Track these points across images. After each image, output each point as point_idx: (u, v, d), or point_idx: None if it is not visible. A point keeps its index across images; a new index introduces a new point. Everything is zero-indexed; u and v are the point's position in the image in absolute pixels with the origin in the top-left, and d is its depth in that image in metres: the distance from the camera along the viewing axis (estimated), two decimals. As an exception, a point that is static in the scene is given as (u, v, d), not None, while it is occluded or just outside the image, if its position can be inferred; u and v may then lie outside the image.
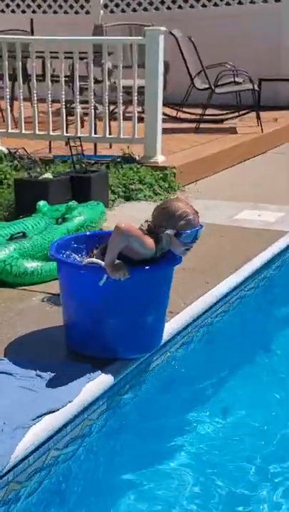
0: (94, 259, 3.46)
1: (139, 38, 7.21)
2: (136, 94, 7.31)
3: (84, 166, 6.55)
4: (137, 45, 7.19)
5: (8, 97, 7.71)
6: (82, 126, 8.06)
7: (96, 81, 7.71)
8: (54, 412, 3.18)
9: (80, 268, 3.48)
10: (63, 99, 7.47)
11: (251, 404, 3.92)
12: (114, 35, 9.22)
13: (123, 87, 7.44)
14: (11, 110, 8.04)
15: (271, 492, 3.25)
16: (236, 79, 9.97)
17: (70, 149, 6.48)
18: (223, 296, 4.66)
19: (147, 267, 3.47)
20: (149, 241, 3.46)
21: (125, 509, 3.17)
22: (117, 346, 3.61)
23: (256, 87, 9.56)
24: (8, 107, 7.71)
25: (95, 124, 7.74)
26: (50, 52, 7.41)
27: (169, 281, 3.69)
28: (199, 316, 4.35)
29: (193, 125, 9.62)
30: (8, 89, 7.70)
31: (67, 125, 7.75)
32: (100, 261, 3.44)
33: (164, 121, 9.74)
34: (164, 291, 3.69)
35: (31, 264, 4.69)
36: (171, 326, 4.07)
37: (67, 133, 7.57)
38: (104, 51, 7.29)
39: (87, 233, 4.44)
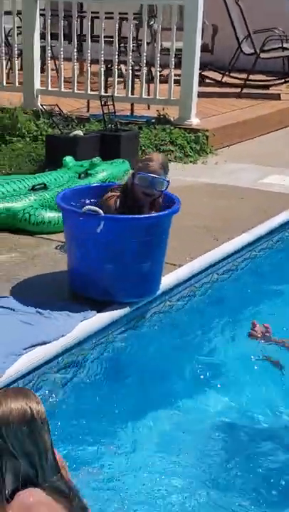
0: (92, 207, 3.78)
1: (177, -1, 7.42)
2: (173, 55, 7.50)
3: (116, 125, 6.81)
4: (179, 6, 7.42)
5: (49, 55, 8.04)
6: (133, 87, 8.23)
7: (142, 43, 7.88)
8: (46, 343, 3.54)
9: (79, 215, 3.80)
10: (102, 59, 7.73)
11: (244, 354, 4.18)
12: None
13: (166, 49, 7.67)
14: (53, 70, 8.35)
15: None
16: (285, 45, 9.99)
17: (102, 108, 6.76)
18: (230, 253, 4.91)
19: (139, 216, 3.78)
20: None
21: (111, 435, 3.46)
22: (114, 290, 3.93)
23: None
24: (49, 64, 8.04)
25: (133, 85, 7.95)
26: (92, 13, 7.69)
27: (164, 230, 3.95)
28: (202, 271, 4.61)
29: (237, 90, 9.72)
30: (49, 48, 8.02)
31: (107, 85, 8.01)
32: (98, 208, 3.76)
33: (209, 85, 10.07)
34: (159, 240, 3.95)
35: (49, 215, 5.03)
36: (172, 278, 4.37)
37: (106, 93, 7.79)
38: (144, 12, 7.50)
39: (93, 185, 4.75)
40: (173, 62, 7.54)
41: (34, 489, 2.16)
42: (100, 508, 2.98)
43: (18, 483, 2.15)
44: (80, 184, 5.31)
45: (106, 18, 7.69)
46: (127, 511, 3.04)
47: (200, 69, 9.75)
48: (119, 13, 7.72)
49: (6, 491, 2.14)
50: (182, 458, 3.35)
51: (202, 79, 10.08)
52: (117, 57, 7.73)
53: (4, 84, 8.29)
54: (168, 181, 3.97)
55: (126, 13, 7.71)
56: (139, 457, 3.36)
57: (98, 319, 3.84)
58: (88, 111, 8.12)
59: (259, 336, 3.84)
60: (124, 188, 4.03)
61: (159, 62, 7.61)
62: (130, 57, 7.67)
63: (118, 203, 3.93)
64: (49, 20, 7.88)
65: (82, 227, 3.85)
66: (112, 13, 7.66)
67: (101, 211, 3.77)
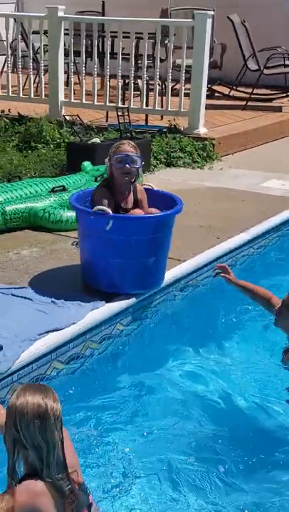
0: (102, 207, 3.75)
1: (189, 20, 7.35)
2: (184, 71, 7.45)
3: (130, 133, 6.77)
4: (191, 27, 7.35)
5: (72, 70, 8.02)
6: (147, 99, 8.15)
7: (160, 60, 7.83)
8: (58, 330, 3.53)
9: (90, 214, 3.77)
10: (120, 75, 7.67)
11: (242, 339, 4.15)
12: (178, 19, 9.34)
13: (179, 66, 7.61)
14: (76, 83, 8.33)
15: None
16: (287, 62, 9.88)
17: (118, 118, 6.70)
18: (231, 250, 4.86)
19: (145, 215, 3.75)
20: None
21: (118, 412, 3.46)
22: (121, 283, 3.91)
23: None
24: (72, 79, 8.01)
25: (147, 97, 7.90)
26: (111, 32, 7.66)
27: (167, 228, 3.92)
28: (204, 266, 4.57)
29: (243, 103, 9.58)
30: (72, 64, 8.01)
31: (124, 98, 7.98)
32: (107, 208, 3.74)
33: (218, 98, 9.98)
34: (163, 237, 3.91)
35: (67, 214, 5.01)
36: (176, 271, 4.34)
37: (124, 105, 7.71)
38: (158, 32, 7.45)
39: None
40: (183, 78, 7.48)
41: (38, 480, 2.15)
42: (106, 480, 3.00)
43: (27, 471, 2.15)
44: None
45: (124, 37, 7.64)
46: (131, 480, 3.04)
47: (210, 83, 9.72)
48: (136, 33, 7.66)
49: (17, 476, 2.15)
50: (189, 434, 3.37)
51: (212, 93, 10.03)
52: (134, 72, 7.68)
53: (32, 96, 8.28)
54: (141, 158, 4.01)
55: (142, 33, 7.65)
56: (147, 430, 3.37)
57: (107, 309, 3.82)
58: (107, 121, 8.06)
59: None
60: (107, 179, 4.03)
61: (171, 77, 7.57)
62: (145, 73, 7.61)
63: (102, 192, 3.92)
64: (72, 39, 7.85)
65: (93, 226, 3.83)
66: (129, 32, 7.61)
67: (109, 210, 3.74)
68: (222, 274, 3.88)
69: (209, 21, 7.15)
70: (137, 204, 4.03)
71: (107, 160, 3.98)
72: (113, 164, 3.94)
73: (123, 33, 7.61)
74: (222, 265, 3.96)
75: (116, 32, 7.71)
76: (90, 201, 3.95)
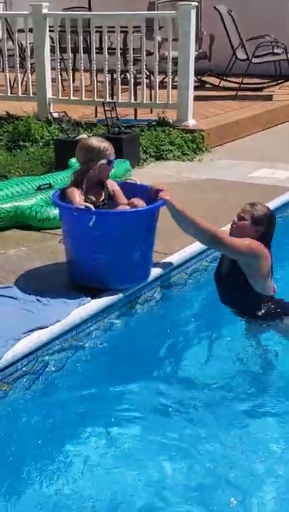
0: (85, 203, 3.72)
1: (173, 12, 7.30)
2: (170, 63, 7.41)
3: (120, 128, 6.73)
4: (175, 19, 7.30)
5: (58, 66, 7.98)
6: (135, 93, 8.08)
7: (148, 53, 7.78)
8: (43, 328, 3.50)
9: (73, 210, 3.74)
10: (107, 69, 7.62)
11: (228, 330, 4.11)
12: (165, 11, 9.28)
13: (166, 57, 7.57)
14: (64, 80, 8.28)
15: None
16: (275, 50, 9.85)
17: (105, 113, 6.64)
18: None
19: (130, 210, 3.72)
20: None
21: (106, 413, 3.43)
22: (107, 278, 3.88)
23: (290, 57, 9.46)
24: (59, 76, 7.97)
25: (135, 91, 7.84)
26: (96, 27, 7.61)
27: (151, 222, 3.89)
28: (192, 259, 4.53)
29: (233, 93, 9.55)
30: (58, 61, 7.97)
31: (112, 93, 7.92)
32: (90, 205, 3.71)
33: (207, 89, 9.93)
34: (148, 231, 3.89)
35: (54, 212, 4.96)
36: (164, 265, 4.29)
37: (112, 99, 7.66)
38: (142, 24, 7.39)
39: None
40: (170, 70, 7.43)
41: None
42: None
43: None
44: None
45: (110, 31, 7.58)
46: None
47: (200, 75, 9.67)
48: (122, 27, 7.61)
49: None
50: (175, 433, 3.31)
51: (202, 84, 9.98)
52: (123, 66, 7.63)
53: (20, 94, 8.24)
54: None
55: (126, 27, 7.60)
56: (136, 423, 3.35)
57: (92, 305, 3.78)
58: (96, 116, 8.02)
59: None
60: (86, 177, 3.96)
61: (158, 69, 7.53)
62: (131, 66, 7.57)
63: (74, 190, 3.87)
64: (57, 36, 7.81)
65: (76, 222, 3.80)
66: (114, 27, 7.57)
67: (92, 207, 3.72)
68: (166, 198, 3.88)
69: (193, 12, 7.09)
70: (111, 197, 4.00)
71: (102, 162, 3.91)
72: (109, 167, 3.96)
73: (108, 27, 7.57)
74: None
75: (101, 27, 7.66)
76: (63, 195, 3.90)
